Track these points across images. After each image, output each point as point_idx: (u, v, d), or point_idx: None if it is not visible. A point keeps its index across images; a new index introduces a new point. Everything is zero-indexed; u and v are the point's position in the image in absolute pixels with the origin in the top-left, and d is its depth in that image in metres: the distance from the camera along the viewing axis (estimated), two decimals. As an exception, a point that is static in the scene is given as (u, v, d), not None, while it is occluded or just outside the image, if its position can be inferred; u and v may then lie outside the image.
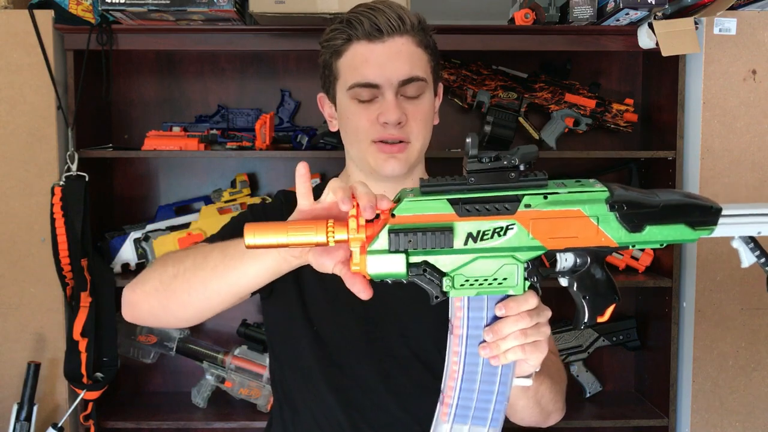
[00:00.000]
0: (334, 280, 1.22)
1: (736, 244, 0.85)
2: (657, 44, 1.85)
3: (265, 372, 2.02)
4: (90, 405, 1.91)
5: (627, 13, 1.80)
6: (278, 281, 1.20)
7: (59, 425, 1.86)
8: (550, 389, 1.06)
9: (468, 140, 0.81)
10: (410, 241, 0.79)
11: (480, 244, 0.81)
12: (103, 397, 1.95)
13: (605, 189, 0.82)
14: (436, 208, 0.80)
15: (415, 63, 1.14)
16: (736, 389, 1.97)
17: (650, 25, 1.85)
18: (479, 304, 0.85)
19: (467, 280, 0.82)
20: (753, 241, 0.84)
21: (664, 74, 2.06)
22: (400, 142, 1.15)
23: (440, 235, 0.80)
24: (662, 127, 2.08)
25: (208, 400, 2.08)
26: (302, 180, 0.84)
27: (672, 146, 1.99)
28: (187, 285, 0.99)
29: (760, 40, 1.91)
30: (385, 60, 1.12)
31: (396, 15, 1.12)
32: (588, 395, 2.18)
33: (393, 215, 0.80)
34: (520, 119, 2.12)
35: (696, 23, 1.86)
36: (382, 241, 0.80)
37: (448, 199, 0.80)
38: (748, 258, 0.85)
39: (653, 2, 1.77)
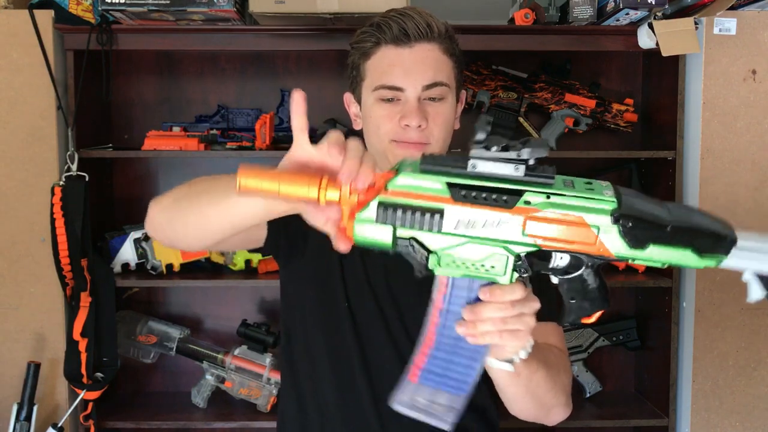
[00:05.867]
0: (375, 274, 1.24)
1: (748, 277, 0.78)
2: (657, 44, 1.85)
3: (264, 372, 2.02)
4: (90, 405, 1.91)
5: (627, 13, 1.80)
6: (315, 248, 1.23)
7: (59, 425, 1.86)
8: (547, 380, 1.02)
9: (476, 124, 0.75)
10: (398, 218, 0.76)
11: (470, 231, 0.77)
12: (103, 397, 1.95)
13: (614, 200, 0.77)
14: (431, 189, 0.76)
15: (440, 68, 1.18)
16: (736, 389, 1.97)
17: (650, 25, 1.85)
18: (464, 283, 0.83)
19: (454, 261, 0.79)
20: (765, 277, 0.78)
21: (664, 74, 2.05)
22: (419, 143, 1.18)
23: (430, 217, 0.76)
24: (662, 127, 2.08)
25: (208, 400, 2.07)
26: (298, 111, 0.78)
27: (672, 146, 1.99)
28: (191, 204, 1.00)
29: (760, 40, 1.91)
30: (410, 65, 1.16)
31: (425, 22, 1.16)
32: (588, 395, 2.18)
33: (387, 188, 0.77)
34: (520, 119, 2.12)
35: (696, 23, 1.86)
36: (371, 211, 0.77)
37: (446, 182, 0.77)
38: (757, 293, 0.78)
39: (653, 2, 1.77)
